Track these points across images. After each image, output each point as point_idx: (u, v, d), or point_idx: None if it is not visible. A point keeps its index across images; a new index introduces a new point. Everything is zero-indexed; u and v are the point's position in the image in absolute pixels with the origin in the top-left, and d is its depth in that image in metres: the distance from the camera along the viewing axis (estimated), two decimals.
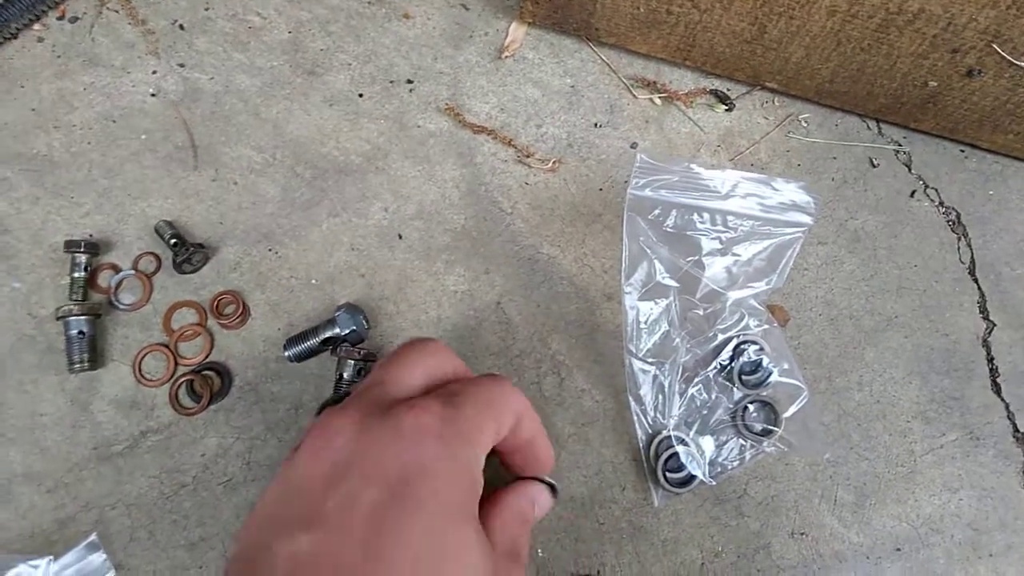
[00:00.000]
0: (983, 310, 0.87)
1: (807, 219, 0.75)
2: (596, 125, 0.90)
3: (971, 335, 0.86)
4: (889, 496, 0.79)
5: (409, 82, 0.90)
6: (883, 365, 0.84)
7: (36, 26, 0.87)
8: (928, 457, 0.81)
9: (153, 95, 0.86)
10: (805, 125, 0.93)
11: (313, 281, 0.81)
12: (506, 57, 0.92)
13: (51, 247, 0.79)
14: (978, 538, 0.79)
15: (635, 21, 0.85)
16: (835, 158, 0.92)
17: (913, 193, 0.91)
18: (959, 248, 0.89)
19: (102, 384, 0.76)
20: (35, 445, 0.74)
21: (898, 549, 0.78)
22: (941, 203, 0.91)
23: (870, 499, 0.79)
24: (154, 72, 0.87)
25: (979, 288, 0.88)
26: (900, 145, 0.93)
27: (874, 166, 0.92)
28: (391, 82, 0.90)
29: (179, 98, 0.86)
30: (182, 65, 0.88)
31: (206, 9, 0.90)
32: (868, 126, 0.94)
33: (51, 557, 0.69)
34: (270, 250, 0.81)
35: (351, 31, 0.91)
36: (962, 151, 0.94)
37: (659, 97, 0.91)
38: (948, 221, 0.91)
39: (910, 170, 0.92)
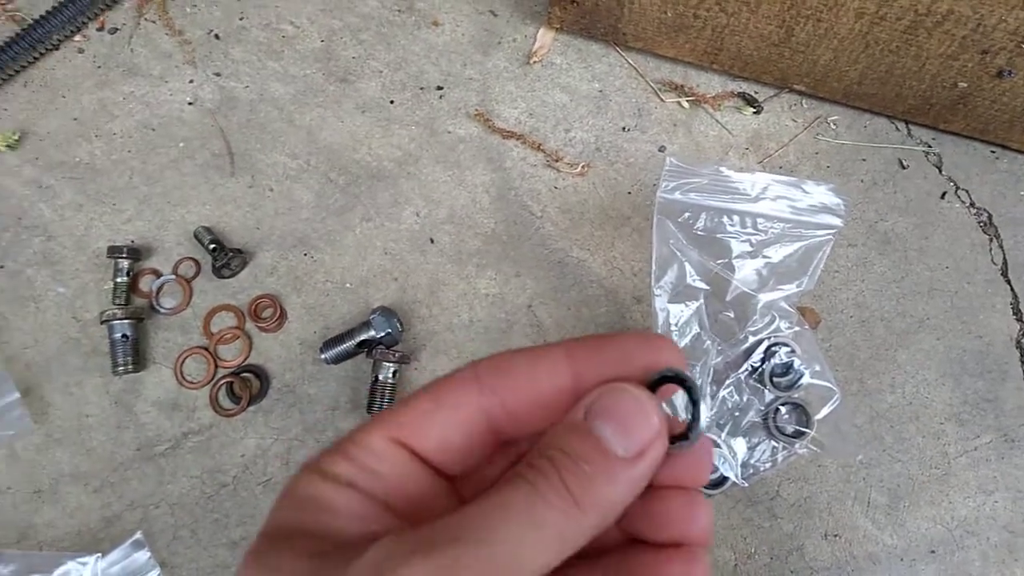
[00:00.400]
0: (1016, 311, 0.87)
1: (837, 221, 0.75)
2: (624, 129, 0.90)
3: (1004, 336, 0.86)
4: (923, 498, 0.79)
5: (439, 88, 0.91)
6: (915, 367, 0.84)
7: (77, 37, 0.90)
8: (962, 459, 0.81)
9: (190, 103, 0.88)
10: (834, 127, 0.93)
11: (348, 285, 0.82)
12: (534, 63, 0.93)
13: (94, 253, 0.82)
14: (1014, 540, 0.79)
15: (662, 25, 0.86)
16: (864, 160, 0.92)
17: (944, 194, 0.91)
18: (991, 249, 0.89)
19: (145, 386, 0.78)
20: (81, 446, 0.76)
21: (932, 551, 0.78)
22: (972, 204, 0.91)
23: (904, 501, 0.79)
24: (191, 81, 0.89)
25: (1012, 289, 0.88)
26: (930, 146, 0.93)
27: (904, 168, 0.92)
28: (421, 89, 0.91)
29: (215, 106, 0.88)
30: (218, 74, 0.89)
31: (241, 19, 0.92)
32: (897, 128, 0.93)
33: (99, 554, 0.71)
34: (305, 255, 0.83)
35: (382, 39, 0.93)
36: (993, 152, 0.94)
37: (687, 100, 0.92)
38: (980, 222, 0.90)
39: (940, 171, 0.92)
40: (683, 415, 0.28)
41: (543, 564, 0.24)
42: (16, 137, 0.84)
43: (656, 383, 0.28)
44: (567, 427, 0.27)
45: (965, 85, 0.83)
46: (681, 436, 0.28)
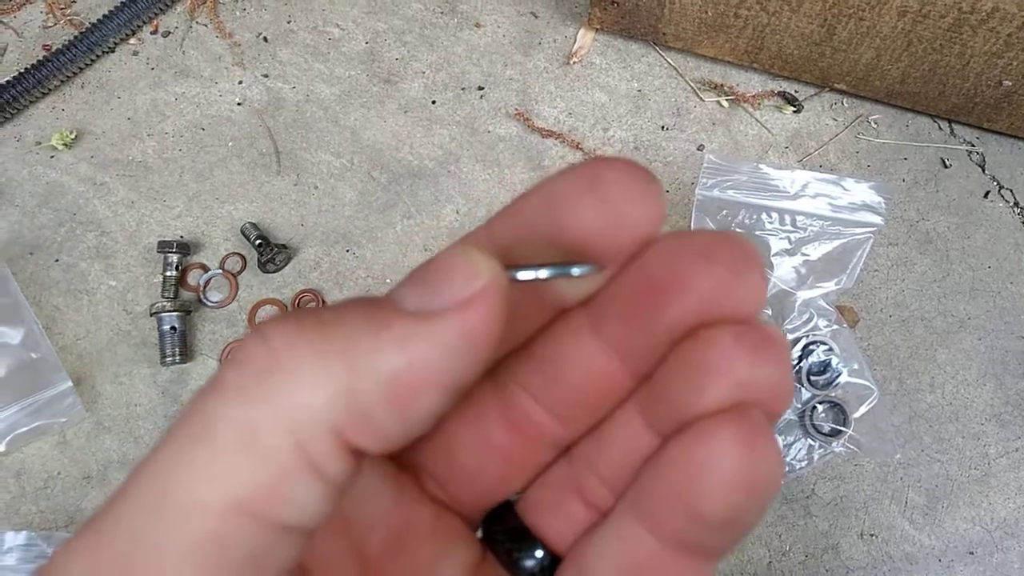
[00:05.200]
0: None
1: (877, 219, 0.75)
2: (663, 128, 0.91)
3: None
4: (962, 499, 0.78)
5: (480, 89, 0.93)
6: (956, 367, 0.83)
7: (132, 40, 0.93)
8: (1003, 460, 0.80)
9: (239, 104, 0.91)
10: (875, 126, 0.92)
11: (388, 280, 0.84)
12: (574, 63, 0.94)
13: (145, 248, 0.84)
14: None
15: (703, 25, 0.86)
16: (906, 159, 0.91)
17: (987, 194, 0.90)
18: None
19: (191, 377, 0.80)
20: (129, 434, 0.78)
21: (971, 552, 0.77)
22: (1016, 204, 0.90)
23: (942, 501, 0.78)
24: (240, 82, 0.92)
25: None
26: (973, 145, 0.92)
27: (946, 167, 0.91)
28: (463, 89, 0.92)
29: (263, 107, 0.91)
30: (266, 75, 0.92)
31: (288, 22, 0.95)
32: (940, 126, 0.93)
33: None
34: (348, 251, 0.85)
35: (425, 40, 0.95)
36: None
37: (726, 99, 0.92)
38: None
39: (983, 171, 0.91)
40: None
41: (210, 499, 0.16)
42: (73, 136, 0.88)
43: None
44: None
45: (1010, 83, 0.82)
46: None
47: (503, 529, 0.23)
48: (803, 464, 0.76)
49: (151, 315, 0.80)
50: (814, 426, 0.76)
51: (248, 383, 0.17)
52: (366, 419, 0.17)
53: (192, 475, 0.16)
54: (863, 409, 0.76)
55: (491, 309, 0.18)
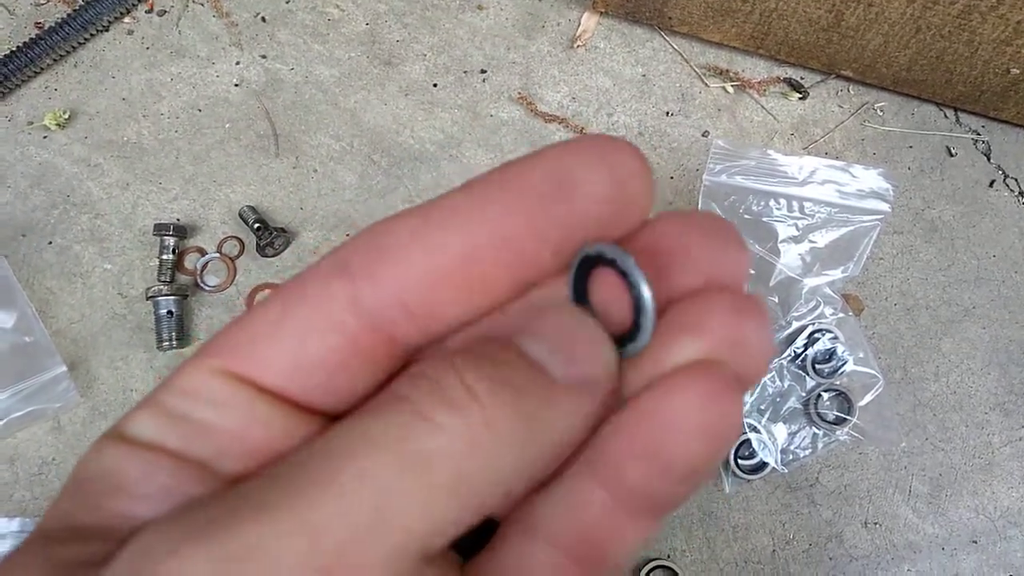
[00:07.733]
0: None
1: (885, 206, 0.74)
2: (667, 114, 0.90)
3: None
4: (965, 488, 0.78)
5: (482, 72, 0.91)
6: (960, 356, 0.83)
7: (126, 19, 0.91)
8: (1006, 449, 0.80)
9: (237, 85, 0.89)
10: (881, 114, 0.92)
11: None
12: (578, 47, 0.92)
13: (140, 230, 0.83)
14: None
15: (709, 9, 0.85)
16: (911, 147, 0.90)
17: (992, 183, 0.90)
18: None
19: None
20: None
21: (974, 541, 0.77)
22: (1021, 193, 0.90)
23: (946, 490, 0.78)
24: (237, 63, 0.90)
25: None
26: (979, 134, 0.92)
27: (952, 155, 0.90)
28: (465, 72, 0.91)
29: (261, 88, 0.89)
30: (264, 56, 0.90)
31: (287, 2, 0.93)
32: (945, 115, 0.92)
33: None
34: (347, 235, 0.83)
35: (426, 22, 0.93)
36: None
37: (731, 86, 0.91)
38: None
39: (989, 159, 0.91)
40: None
41: (431, 526, 0.16)
42: (66, 116, 0.86)
43: (583, 265, 0.20)
44: (479, 337, 0.19)
45: (1018, 71, 0.81)
46: (626, 335, 0.20)
47: None
48: (807, 452, 0.76)
49: (147, 299, 0.78)
50: (819, 414, 0.76)
51: (459, 429, 0.17)
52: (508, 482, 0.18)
53: (407, 503, 0.16)
54: (868, 397, 0.76)
55: (601, 398, 0.19)
